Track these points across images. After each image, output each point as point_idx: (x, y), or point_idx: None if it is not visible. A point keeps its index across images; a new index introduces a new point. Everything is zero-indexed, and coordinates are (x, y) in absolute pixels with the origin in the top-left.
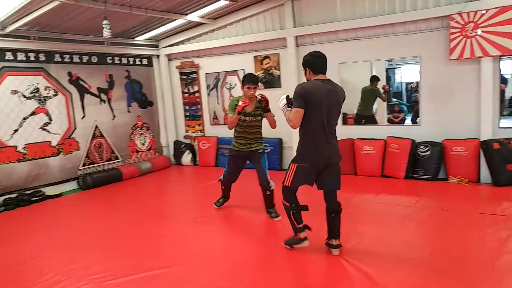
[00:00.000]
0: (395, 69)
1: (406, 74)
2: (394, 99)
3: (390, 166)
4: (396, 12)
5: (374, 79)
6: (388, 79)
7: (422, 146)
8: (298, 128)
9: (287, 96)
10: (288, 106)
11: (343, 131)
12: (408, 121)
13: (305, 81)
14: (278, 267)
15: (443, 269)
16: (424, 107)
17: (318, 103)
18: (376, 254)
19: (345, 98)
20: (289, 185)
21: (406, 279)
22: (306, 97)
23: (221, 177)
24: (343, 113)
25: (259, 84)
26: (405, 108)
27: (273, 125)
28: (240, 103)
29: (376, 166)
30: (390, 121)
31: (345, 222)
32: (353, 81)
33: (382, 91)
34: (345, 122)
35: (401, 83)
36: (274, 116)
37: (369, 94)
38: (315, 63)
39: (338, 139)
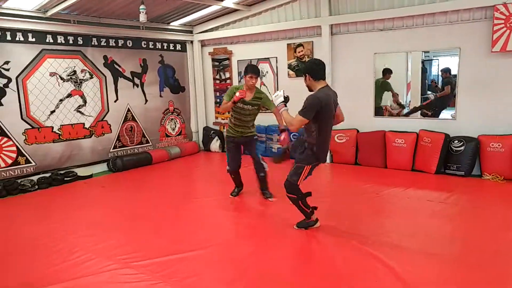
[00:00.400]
0: (432, 61)
1: (443, 66)
2: (429, 92)
3: (421, 160)
4: (437, 1)
5: (386, 71)
6: (424, 71)
7: (456, 141)
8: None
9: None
10: (285, 104)
11: (375, 123)
12: (443, 114)
13: (305, 84)
14: (302, 257)
15: (471, 266)
16: (461, 101)
17: (330, 110)
18: (402, 249)
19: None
20: (300, 183)
21: (432, 274)
22: (318, 109)
23: (228, 167)
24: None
25: (291, 72)
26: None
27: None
28: (237, 94)
29: (407, 159)
30: (424, 114)
31: (372, 216)
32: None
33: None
34: (377, 113)
35: (437, 75)
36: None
37: (379, 86)
38: (315, 70)
39: (369, 130)
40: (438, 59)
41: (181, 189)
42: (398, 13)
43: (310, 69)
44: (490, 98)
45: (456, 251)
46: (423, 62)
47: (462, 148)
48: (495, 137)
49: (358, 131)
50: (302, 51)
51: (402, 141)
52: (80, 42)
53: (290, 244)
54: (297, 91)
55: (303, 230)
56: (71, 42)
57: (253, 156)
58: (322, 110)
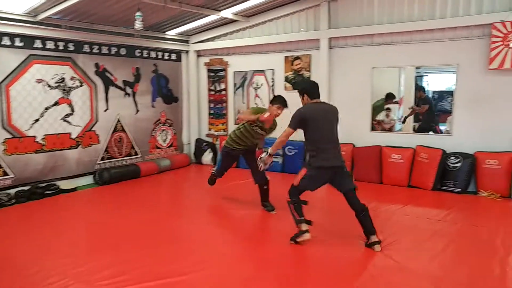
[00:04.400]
0: (423, 77)
1: (434, 83)
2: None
3: (418, 176)
4: (436, 18)
5: (390, 97)
6: (421, 87)
7: (453, 157)
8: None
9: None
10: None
11: (371, 138)
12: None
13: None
14: (298, 279)
15: None
16: (458, 117)
17: (316, 121)
18: (407, 271)
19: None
20: (298, 186)
21: None
22: (302, 119)
23: (213, 170)
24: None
25: (288, 84)
26: None
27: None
28: (266, 115)
29: (404, 175)
30: (415, 130)
31: None
32: (382, 87)
33: None
34: (373, 128)
35: (427, 91)
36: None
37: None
38: (311, 91)
39: (365, 145)
40: (427, 75)
41: (172, 204)
42: (397, 28)
43: (307, 90)
44: (486, 115)
45: (463, 275)
46: (415, 78)
47: (459, 164)
48: (491, 154)
49: (354, 145)
50: (299, 64)
51: (399, 156)
52: (71, 48)
53: (288, 262)
54: (294, 104)
55: (299, 245)
56: (61, 48)
57: (254, 170)
58: (306, 121)
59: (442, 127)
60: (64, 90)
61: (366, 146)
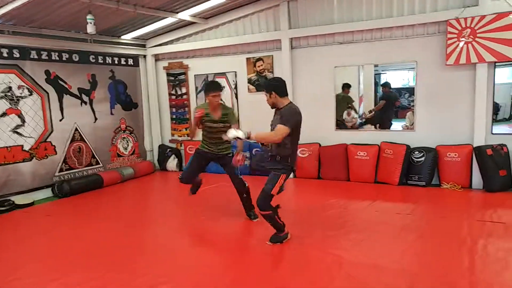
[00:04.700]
0: (381, 75)
1: (392, 80)
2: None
3: (384, 172)
4: (394, 16)
5: (345, 86)
6: (386, 83)
7: (416, 152)
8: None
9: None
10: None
11: (336, 137)
12: (394, 126)
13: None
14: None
15: (456, 285)
16: (419, 112)
17: (300, 124)
18: (381, 268)
19: None
20: (274, 193)
21: None
22: (298, 120)
23: (181, 177)
24: (338, 119)
25: (251, 86)
26: None
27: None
28: (196, 115)
29: (370, 172)
30: (376, 127)
31: (345, 233)
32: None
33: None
34: (338, 127)
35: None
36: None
37: (340, 100)
38: (280, 87)
39: (331, 144)
40: (386, 73)
41: (137, 214)
42: (357, 26)
43: (276, 86)
44: (445, 109)
45: (438, 269)
46: (374, 76)
47: (422, 159)
48: (451, 147)
49: (320, 145)
50: (262, 65)
51: (364, 153)
52: (17, 55)
53: (264, 267)
54: (258, 106)
55: (278, 245)
56: (5, 55)
57: (233, 177)
58: (298, 122)
59: (401, 123)
60: (11, 99)
61: (332, 144)
